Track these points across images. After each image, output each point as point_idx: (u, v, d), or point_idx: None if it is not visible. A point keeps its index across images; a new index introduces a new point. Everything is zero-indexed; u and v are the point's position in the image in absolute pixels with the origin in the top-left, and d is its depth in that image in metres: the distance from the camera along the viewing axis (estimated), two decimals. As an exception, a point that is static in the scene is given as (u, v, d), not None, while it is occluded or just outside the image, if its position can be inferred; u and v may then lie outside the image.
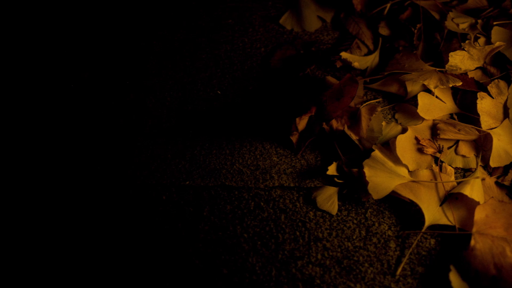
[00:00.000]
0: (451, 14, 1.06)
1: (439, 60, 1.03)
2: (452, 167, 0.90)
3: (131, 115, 1.02)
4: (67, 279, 0.84)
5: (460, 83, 0.92)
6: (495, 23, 1.04)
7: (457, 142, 0.92)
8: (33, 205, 0.91)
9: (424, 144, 0.89)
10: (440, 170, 0.89)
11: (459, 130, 0.91)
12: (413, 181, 0.86)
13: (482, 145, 0.92)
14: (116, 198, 0.91)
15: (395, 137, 0.89)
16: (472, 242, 0.79)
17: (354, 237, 0.85)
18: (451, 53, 0.96)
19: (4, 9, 1.22)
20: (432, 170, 0.88)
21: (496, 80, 0.96)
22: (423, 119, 0.94)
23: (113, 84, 1.08)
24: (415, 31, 1.07)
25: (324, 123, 0.94)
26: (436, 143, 0.90)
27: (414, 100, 0.97)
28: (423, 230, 0.83)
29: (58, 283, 0.84)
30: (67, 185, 0.93)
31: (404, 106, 0.98)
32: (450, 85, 0.91)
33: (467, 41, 0.98)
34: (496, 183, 0.88)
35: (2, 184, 0.94)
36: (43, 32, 1.17)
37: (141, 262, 0.84)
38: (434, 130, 0.92)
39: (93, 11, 1.21)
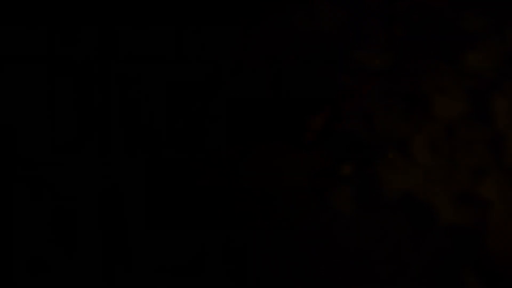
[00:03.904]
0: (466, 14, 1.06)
1: (454, 60, 1.03)
2: (467, 165, 0.90)
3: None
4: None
5: (475, 83, 0.91)
6: None
7: (472, 141, 0.92)
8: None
9: (438, 143, 0.89)
10: (454, 169, 0.88)
11: (474, 130, 0.91)
12: (428, 180, 0.86)
13: (499, 144, 0.91)
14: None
15: (410, 137, 0.89)
16: (488, 241, 0.78)
17: (368, 237, 0.85)
18: (467, 53, 0.96)
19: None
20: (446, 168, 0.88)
21: (512, 80, 0.95)
22: (437, 119, 0.93)
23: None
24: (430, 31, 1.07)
25: (337, 122, 0.94)
26: (450, 143, 0.90)
27: (428, 100, 0.97)
28: (438, 229, 0.83)
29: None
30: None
31: (418, 106, 0.98)
32: (465, 85, 0.91)
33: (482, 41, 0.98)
34: (512, 183, 0.88)
35: None
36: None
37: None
38: (449, 130, 0.92)
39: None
